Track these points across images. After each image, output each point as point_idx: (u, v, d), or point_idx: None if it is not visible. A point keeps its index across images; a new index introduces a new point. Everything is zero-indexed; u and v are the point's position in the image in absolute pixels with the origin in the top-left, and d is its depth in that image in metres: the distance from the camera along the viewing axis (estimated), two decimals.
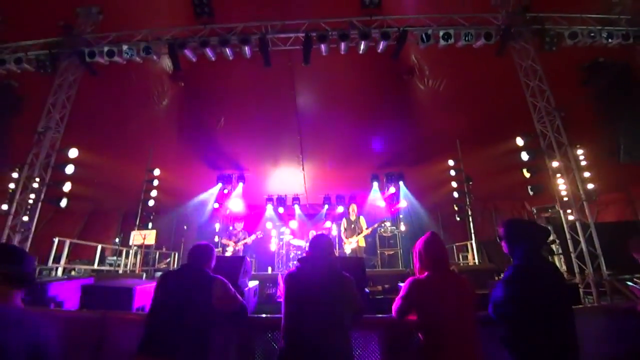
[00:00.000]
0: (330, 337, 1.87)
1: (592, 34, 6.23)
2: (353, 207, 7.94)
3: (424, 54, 8.29)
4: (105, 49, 6.52)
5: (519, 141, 6.49)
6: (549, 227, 6.68)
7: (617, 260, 5.29)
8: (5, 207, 5.83)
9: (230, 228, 8.75)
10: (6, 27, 6.60)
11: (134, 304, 3.00)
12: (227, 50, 6.47)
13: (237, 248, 8.01)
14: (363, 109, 9.77)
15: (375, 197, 11.65)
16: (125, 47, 6.51)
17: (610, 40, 6.23)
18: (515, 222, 2.26)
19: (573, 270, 5.66)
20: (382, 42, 6.38)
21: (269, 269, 9.64)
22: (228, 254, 7.85)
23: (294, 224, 10.59)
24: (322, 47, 6.45)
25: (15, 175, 6.02)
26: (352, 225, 7.65)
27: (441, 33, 6.31)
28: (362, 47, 6.44)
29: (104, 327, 2.67)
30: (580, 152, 6.28)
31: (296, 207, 12.36)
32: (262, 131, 10.35)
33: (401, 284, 2.20)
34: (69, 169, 6.25)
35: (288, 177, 12.36)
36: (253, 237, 8.23)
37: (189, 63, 6.96)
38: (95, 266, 9.09)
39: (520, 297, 1.91)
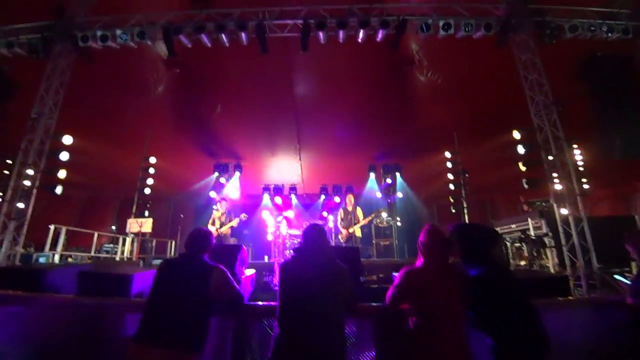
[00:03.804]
0: (324, 325, 1.91)
1: (592, 28, 6.21)
2: (350, 198, 7.95)
3: (423, 45, 8.20)
4: (99, 33, 6.38)
5: (516, 134, 6.51)
6: (542, 221, 6.76)
7: (608, 254, 5.38)
8: None
9: (215, 210, 7.54)
10: None
11: (132, 291, 3.02)
12: (224, 36, 6.36)
13: (222, 232, 7.18)
14: (361, 100, 9.69)
15: (372, 188, 11.69)
16: (119, 32, 6.37)
17: (610, 34, 6.23)
18: (464, 226, 2.27)
19: (564, 263, 5.76)
20: (381, 31, 6.30)
21: (266, 257, 9.71)
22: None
23: (290, 214, 10.61)
24: (321, 34, 6.35)
25: (9, 161, 5.95)
26: (349, 216, 7.68)
27: (441, 23, 6.24)
28: (360, 35, 6.36)
29: (102, 314, 2.69)
30: (576, 146, 6.32)
31: (293, 196, 12.37)
32: (259, 120, 10.27)
33: (395, 274, 2.24)
34: (64, 156, 6.19)
35: (285, 167, 12.34)
36: (237, 220, 7.42)
37: (184, 49, 6.83)
38: (92, 253, 9.09)
39: (494, 297, 1.92)
